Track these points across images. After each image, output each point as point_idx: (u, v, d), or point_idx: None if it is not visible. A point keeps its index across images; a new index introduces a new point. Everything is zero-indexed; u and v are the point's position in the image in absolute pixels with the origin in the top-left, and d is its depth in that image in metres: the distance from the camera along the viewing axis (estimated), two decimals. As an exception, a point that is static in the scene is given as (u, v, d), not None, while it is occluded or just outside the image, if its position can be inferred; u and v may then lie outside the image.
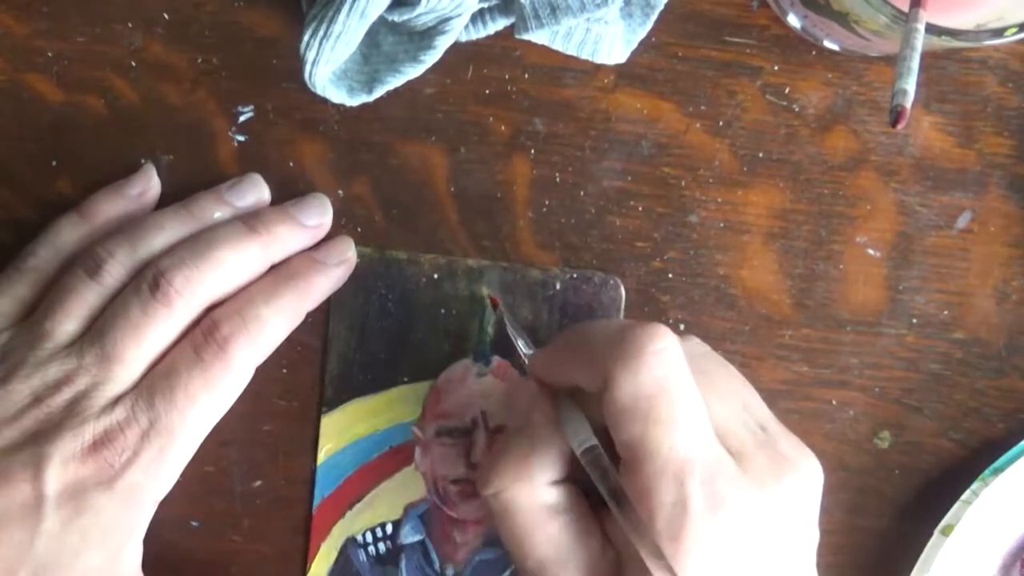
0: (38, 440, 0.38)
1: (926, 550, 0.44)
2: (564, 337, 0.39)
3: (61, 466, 0.38)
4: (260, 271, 0.42)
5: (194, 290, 0.40)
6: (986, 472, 0.44)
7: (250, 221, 0.42)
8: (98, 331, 0.40)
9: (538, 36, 0.42)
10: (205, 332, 0.40)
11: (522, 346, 0.42)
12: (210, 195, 0.43)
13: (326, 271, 0.43)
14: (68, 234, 0.43)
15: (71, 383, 0.39)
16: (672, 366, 0.35)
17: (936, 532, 0.44)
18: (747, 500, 0.35)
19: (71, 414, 0.39)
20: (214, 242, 0.41)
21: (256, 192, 0.44)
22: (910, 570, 0.45)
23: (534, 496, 0.37)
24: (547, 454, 0.37)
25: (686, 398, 0.35)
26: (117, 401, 0.39)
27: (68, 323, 0.40)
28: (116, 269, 0.41)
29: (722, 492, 0.35)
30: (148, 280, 0.40)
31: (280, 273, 0.43)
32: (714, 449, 0.35)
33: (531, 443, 0.38)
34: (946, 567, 0.43)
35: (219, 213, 0.43)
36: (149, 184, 0.44)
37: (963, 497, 0.44)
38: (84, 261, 0.41)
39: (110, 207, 0.43)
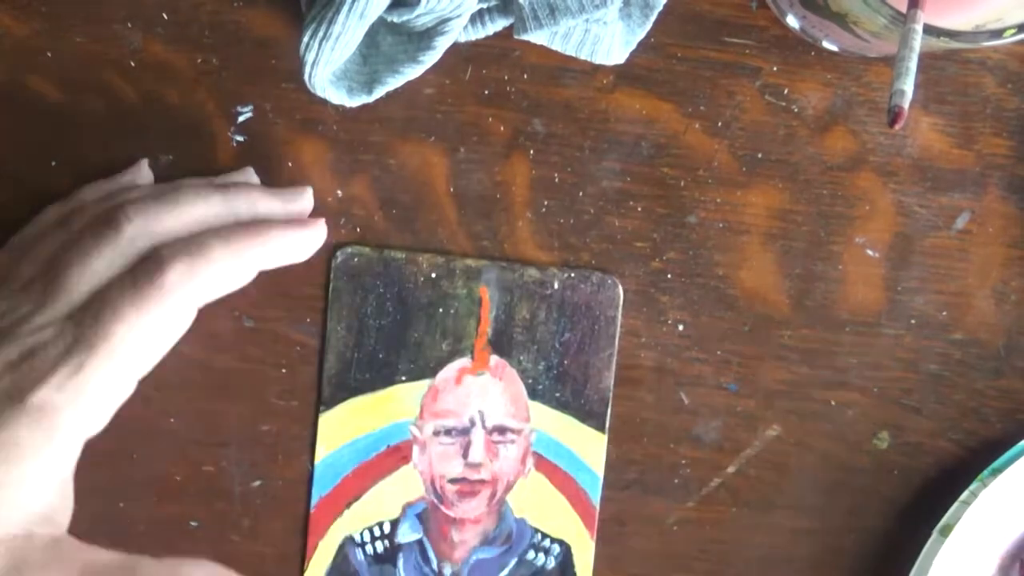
0: None
1: (924, 550, 0.44)
2: None
3: None
4: (221, 223, 0.41)
5: (147, 220, 0.39)
6: (985, 472, 0.44)
7: (221, 182, 0.42)
8: (50, 263, 0.39)
9: (537, 37, 0.42)
10: (144, 256, 0.39)
11: None
12: (196, 179, 0.43)
13: (286, 227, 0.42)
14: (52, 214, 0.43)
15: (15, 311, 0.38)
16: None
17: (935, 532, 0.44)
18: None
19: (6, 336, 0.38)
20: (177, 186, 0.41)
21: (244, 179, 0.44)
22: (907, 570, 0.45)
23: None
24: None
25: None
26: (54, 324, 0.38)
27: (27, 265, 0.40)
28: (84, 217, 0.40)
29: None
30: (103, 214, 0.40)
31: (240, 222, 0.41)
32: None
33: None
34: (945, 567, 0.43)
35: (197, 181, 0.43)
36: (139, 174, 0.43)
37: (962, 497, 0.44)
38: (58, 211, 0.42)
39: (98, 192, 0.43)
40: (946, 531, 0.43)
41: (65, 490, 0.38)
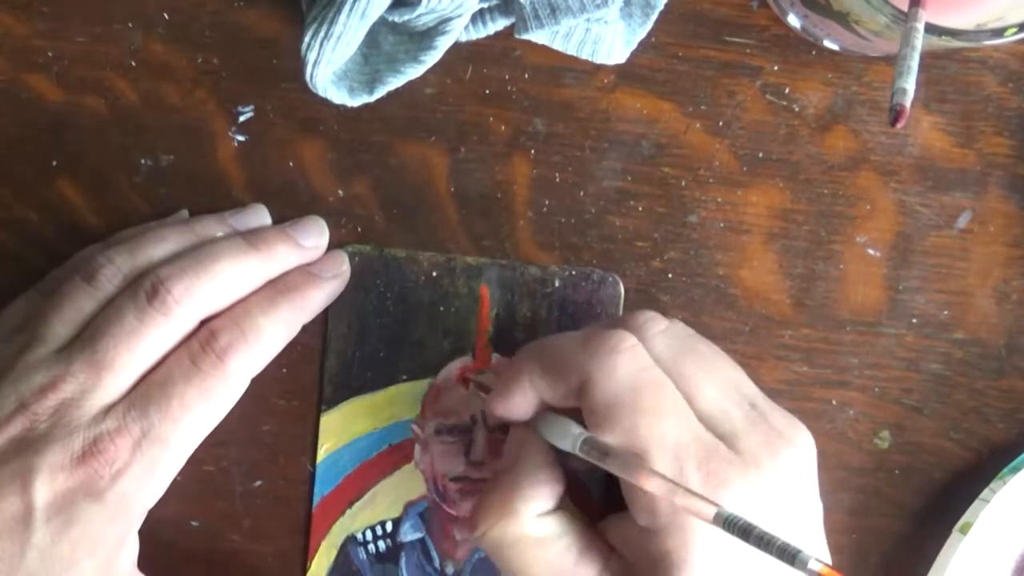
0: (26, 450, 0.38)
1: (944, 548, 0.44)
2: (520, 362, 0.39)
3: (50, 477, 0.37)
4: (257, 286, 0.42)
5: (192, 299, 0.40)
6: (1005, 471, 0.44)
7: (250, 237, 0.42)
8: (89, 336, 0.39)
9: (538, 36, 0.42)
10: (203, 342, 0.40)
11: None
12: (213, 217, 0.43)
13: (321, 284, 0.43)
14: (80, 266, 0.42)
15: (57, 389, 0.38)
16: (647, 360, 0.36)
17: (954, 530, 0.44)
18: (745, 478, 0.35)
19: (59, 423, 0.38)
20: (214, 254, 0.41)
21: (259, 221, 0.44)
22: (911, 570, 0.45)
23: (523, 530, 0.38)
24: (531, 487, 0.38)
25: (666, 387, 0.36)
26: (108, 410, 0.39)
27: (60, 327, 0.40)
28: (113, 275, 0.41)
29: (719, 472, 0.35)
30: (146, 287, 0.40)
31: (277, 286, 0.42)
32: (705, 432, 0.36)
33: (513, 479, 0.38)
34: (963, 565, 0.43)
35: (220, 233, 0.43)
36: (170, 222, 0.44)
37: (981, 495, 0.44)
38: (82, 267, 0.41)
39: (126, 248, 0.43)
40: (965, 528, 0.43)
41: (136, 542, 0.40)
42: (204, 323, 0.41)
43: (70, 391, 0.38)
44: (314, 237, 0.44)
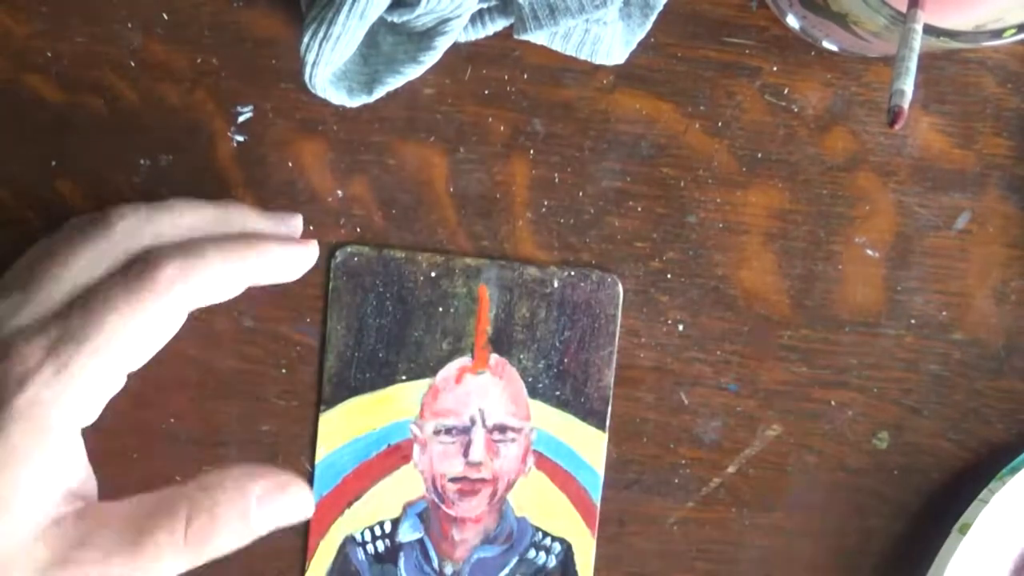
0: None
1: (943, 549, 0.44)
2: None
3: None
4: (213, 233, 0.40)
5: (137, 219, 0.38)
6: (1004, 471, 0.44)
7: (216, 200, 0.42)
8: (35, 262, 0.39)
9: (537, 37, 0.42)
10: (138, 257, 0.38)
11: None
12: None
13: (282, 242, 0.41)
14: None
15: None
16: None
17: (953, 531, 0.44)
18: None
19: None
20: (174, 199, 0.40)
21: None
22: (910, 570, 0.45)
23: None
24: None
25: None
26: (36, 323, 0.37)
27: (9, 272, 0.40)
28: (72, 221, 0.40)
29: None
30: (93, 213, 0.39)
31: (237, 235, 0.41)
32: None
33: None
34: (961, 566, 0.43)
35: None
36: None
37: (980, 496, 0.44)
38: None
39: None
40: (964, 529, 0.43)
41: (78, 463, 0.38)
42: None
43: (5, 309, 0.37)
44: (285, 218, 0.42)
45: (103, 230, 0.38)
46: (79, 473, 0.38)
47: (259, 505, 0.37)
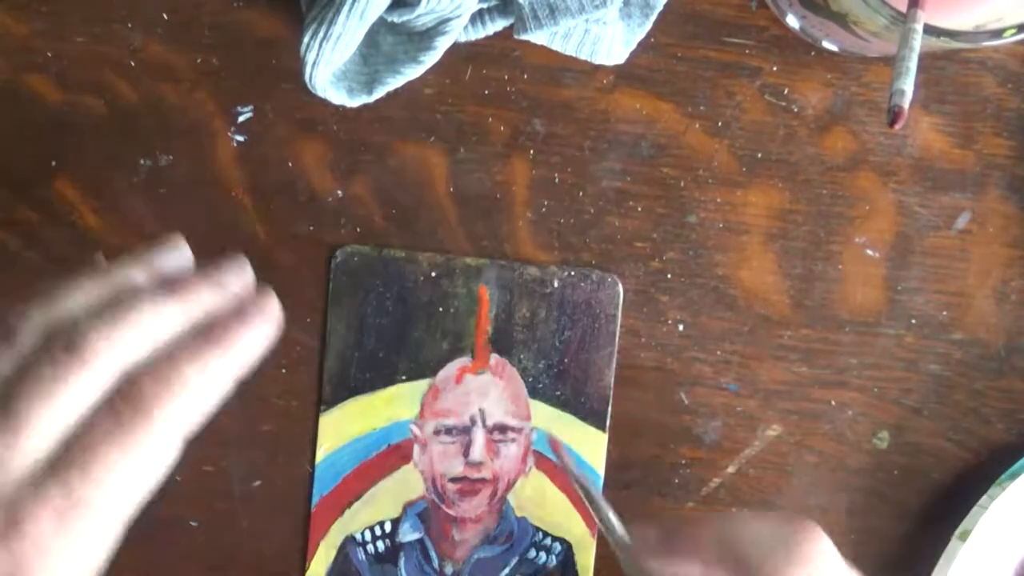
0: None
1: (943, 555, 0.44)
2: (686, 533, 0.40)
3: None
4: (180, 332, 0.39)
5: (111, 347, 0.36)
6: (1003, 477, 0.44)
7: (168, 284, 0.39)
8: (4, 397, 0.36)
9: (537, 37, 0.42)
10: (124, 395, 0.36)
11: (615, 526, 0.41)
12: (131, 258, 0.40)
13: (249, 323, 0.40)
14: None
15: None
16: (836, 564, 0.39)
17: (954, 537, 0.44)
18: None
19: None
20: (131, 302, 0.38)
21: (179, 257, 0.41)
22: (909, 570, 0.45)
23: None
24: None
25: None
26: (27, 479, 0.35)
27: None
28: (32, 331, 0.37)
29: None
30: (61, 340, 0.36)
31: (204, 334, 0.39)
32: None
33: None
34: (962, 573, 0.43)
35: (141, 277, 0.40)
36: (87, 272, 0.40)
37: (979, 502, 0.44)
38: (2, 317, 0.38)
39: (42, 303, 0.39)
40: (964, 535, 0.43)
41: None
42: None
43: None
44: (236, 276, 0.40)
45: (77, 363, 0.36)
46: None
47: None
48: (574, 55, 0.43)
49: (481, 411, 0.45)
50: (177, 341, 0.38)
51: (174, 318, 0.39)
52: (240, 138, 0.44)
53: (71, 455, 0.36)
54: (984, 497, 0.44)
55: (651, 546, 0.40)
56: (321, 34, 0.39)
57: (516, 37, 0.42)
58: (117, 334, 0.37)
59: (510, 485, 0.45)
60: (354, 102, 0.42)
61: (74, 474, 0.35)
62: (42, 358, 0.36)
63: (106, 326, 0.37)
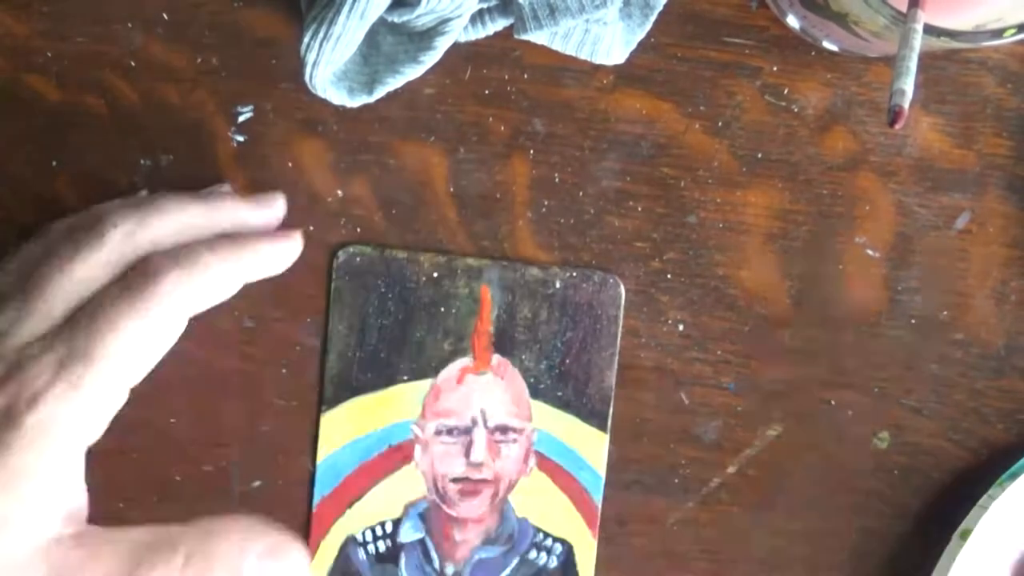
0: None
1: (944, 555, 0.44)
2: None
3: None
4: (203, 232, 0.40)
5: (131, 227, 0.38)
6: (1004, 477, 0.44)
7: (200, 193, 0.42)
8: (28, 272, 0.38)
9: (537, 37, 0.42)
10: (136, 269, 0.38)
11: None
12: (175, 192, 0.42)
13: (272, 238, 0.42)
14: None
15: None
16: None
17: (954, 537, 0.44)
18: None
19: None
20: (159, 197, 0.40)
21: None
22: (910, 571, 0.45)
23: None
24: None
25: None
26: (39, 335, 0.37)
27: (2, 277, 0.39)
28: (61, 228, 0.40)
29: None
30: (84, 224, 0.39)
31: (227, 235, 0.41)
32: None
33: None
34: (962, 573, 0.43)
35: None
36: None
37: (980, 502, 0.44)
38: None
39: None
40: (965, 535, 0.43)
41: (78, 485, 0.38)
42: None
43: (3, 323, 0.37)
44: (268, 202, 0.43)
45: (96, 239, 0.38)
46: (79, 495, 0.38)
47: (257, 563, 0.37)
48: (574, 55, 0.43)
49: (482, 412, 0.45)
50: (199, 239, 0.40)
51: (197, 215, 0.41)
52: (240, 138, 0.44)
53: (80, 315, 0.38)
54: (984, 497, 0.44)
55: None
56: (321, 34, 0.39)
57: (516, 37, 0.42)
58: (135, 214, 0.39)
59: (511, 486, 0.45)
60: (354, 102, 0.42)
61: (80, 329, 0.37)
62: (65, 239, 0.39)
63: (127, 210, 0.39)
